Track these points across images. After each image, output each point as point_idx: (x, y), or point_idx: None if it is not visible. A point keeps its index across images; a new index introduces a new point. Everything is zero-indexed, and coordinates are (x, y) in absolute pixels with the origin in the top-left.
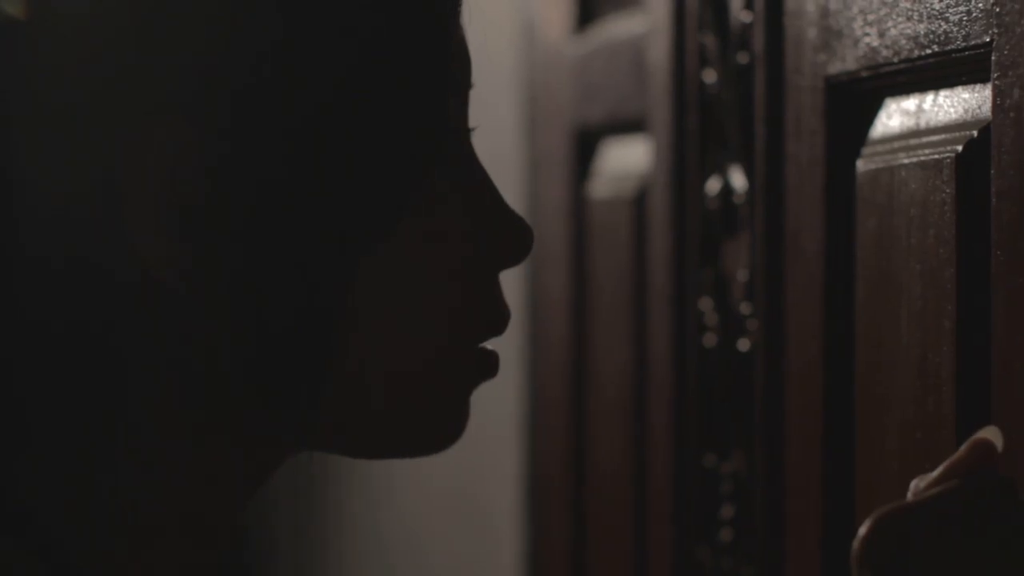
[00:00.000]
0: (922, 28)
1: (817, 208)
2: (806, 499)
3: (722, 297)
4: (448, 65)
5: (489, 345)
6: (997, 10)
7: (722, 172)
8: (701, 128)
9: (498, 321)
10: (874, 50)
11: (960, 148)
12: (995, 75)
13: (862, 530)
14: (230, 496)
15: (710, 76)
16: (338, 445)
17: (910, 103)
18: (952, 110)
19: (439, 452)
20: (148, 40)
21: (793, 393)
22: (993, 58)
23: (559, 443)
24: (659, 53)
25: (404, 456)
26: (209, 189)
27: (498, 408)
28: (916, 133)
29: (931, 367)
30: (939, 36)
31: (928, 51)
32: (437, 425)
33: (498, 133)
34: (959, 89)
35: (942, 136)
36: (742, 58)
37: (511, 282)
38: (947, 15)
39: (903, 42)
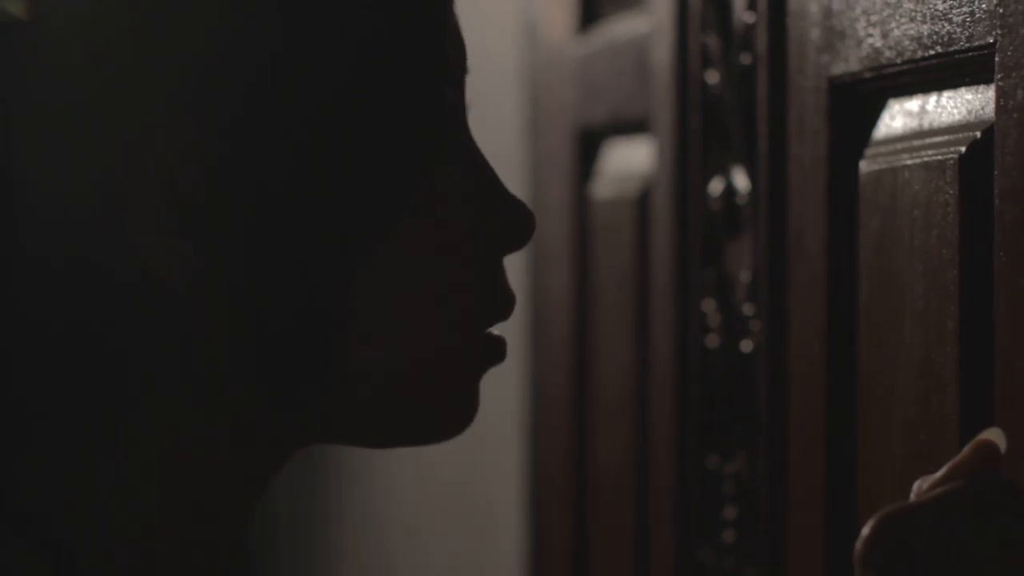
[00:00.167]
0: (925, 29)
1: (820, 209)
2: (809, 500)
3: (725, 298)
4: (447, 60)
5: (495, 331)
6: (1001, 11)
7: (725, 173)
8: (704, 128)
9: (503, 306)
10: (877, 51)
11: (963, 149)
12: (998, 76)
13: (865, 531)
14: (233, 496)
15: (713, 77)
16: (347, 436)
17: (913, 104)
18: (955, 111)
19: (449, 439)
20: (148, 40)
21: (796, 394)
22: (996, 59)
23: (561, 443)
24: (662, 53)
25: (414, 444)
26: (209, 189)
27: (500, 407)
28: (919, 134)
29: (934, 368)
30: (942, 37)
31: (931, 52)
32: (447, 413)
33: (501, 133)
34: (962, 90)
35: (945, 137)
36: (745, 59)
37: (513, 283)
38: (951, 16)
39: (906, 43)
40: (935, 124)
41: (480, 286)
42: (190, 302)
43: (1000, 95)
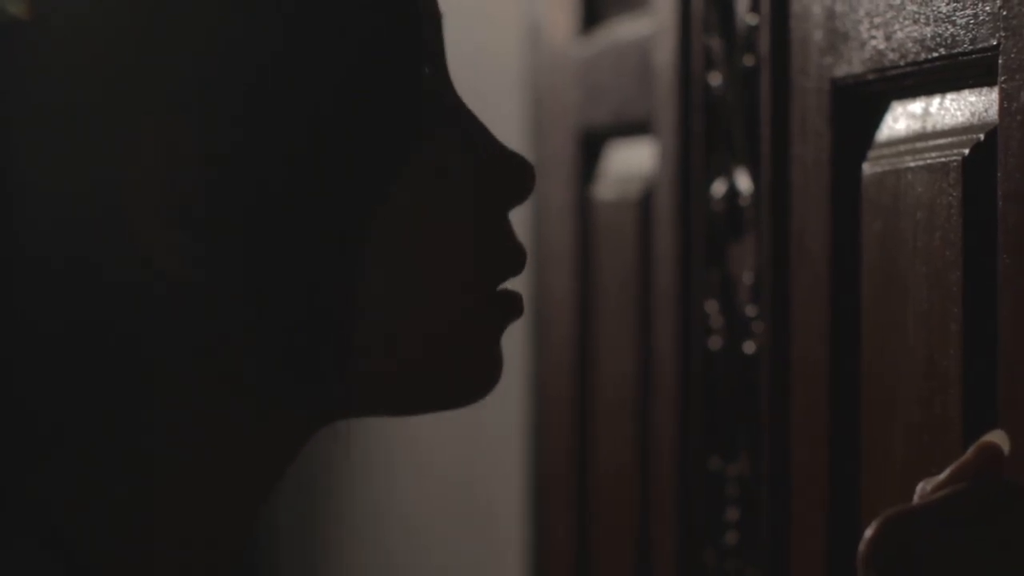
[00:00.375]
0: (929, 31)
1: (823, 211)
2: (812, 502)
3: (727, 299)
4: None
5: (509, 286)
6: (1004, 13)
7: (727, 174)
8: (707, 130)
9: (514, 259)
10: (880, 53)
11: (967, 151)
12: (1002, 78)
13: (868, 532)
14: (243, 493)
15: (716, 78)
16: (371, 406)
17: (916, 106)
18: (959, 113)
19: (477, 401)
20: (148, 40)
21: (799, 395)
22: (1000, 61)
23: (563, 444)
24: (665, 55)
25: (441, 409)
26: (210, 188)
27: (502, 408)
28: (922, 136)
29: (937, 370)
30: (946, 39)
31: (935, 54)
32: (470, 374)
33: (503, 135)
34: (966, 92)
35: (948, 139)
36: (748, 60)
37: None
38: (954, 18)
39: (909, 45)
40: (938, 126)
41: (488, 242)
42: (196, 295)
43: (1004, 97)
